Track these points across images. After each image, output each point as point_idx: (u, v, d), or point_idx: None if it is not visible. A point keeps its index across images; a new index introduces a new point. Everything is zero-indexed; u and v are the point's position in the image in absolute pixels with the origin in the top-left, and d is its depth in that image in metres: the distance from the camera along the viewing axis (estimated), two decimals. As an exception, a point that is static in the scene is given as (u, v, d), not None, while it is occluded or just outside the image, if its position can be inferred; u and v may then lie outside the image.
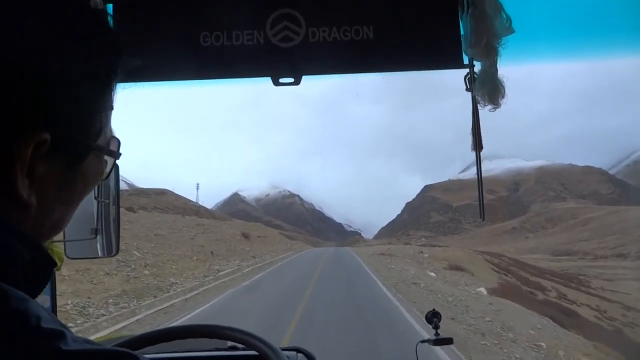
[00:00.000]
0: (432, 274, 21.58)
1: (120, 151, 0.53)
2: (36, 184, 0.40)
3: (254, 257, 27.85)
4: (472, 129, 1.07)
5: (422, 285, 16.10)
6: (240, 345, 1.07)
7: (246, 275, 19.14)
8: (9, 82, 0.38)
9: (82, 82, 0.43)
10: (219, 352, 1.23)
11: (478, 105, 1.03)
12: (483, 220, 1.07)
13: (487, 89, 1.01)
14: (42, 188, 0.41)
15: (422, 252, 34.78)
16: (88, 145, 0.45)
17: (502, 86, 1.01)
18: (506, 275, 29.27)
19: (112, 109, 0.48)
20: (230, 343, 1.15)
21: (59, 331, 0.36)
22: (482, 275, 26.22)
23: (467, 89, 1.07)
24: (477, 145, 1.08)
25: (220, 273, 18.58)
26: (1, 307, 0.34)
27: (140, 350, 0.99)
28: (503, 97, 0.98)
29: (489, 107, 1.01)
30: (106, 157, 0.51)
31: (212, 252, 24.20)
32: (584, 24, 1.19)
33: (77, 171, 0.45)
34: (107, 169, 0.52)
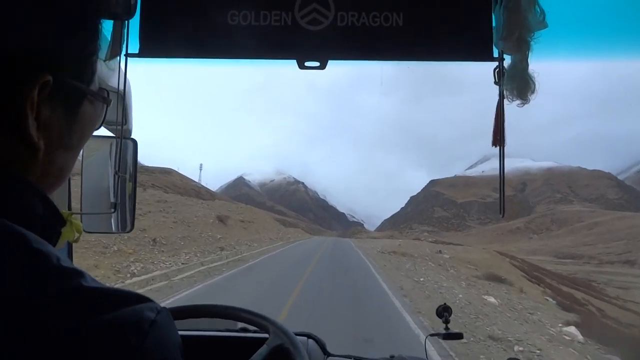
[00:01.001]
0: (491, 298, 12.60)
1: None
2: (42, 128, 0.41)
3: (222, 250, 19.89)
4: (495, 123, 1.03)
5: (510, 339, 7.57)
6: (251, 327, 1.06)
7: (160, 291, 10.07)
8: (13, 25, 0.39)
9: (76, 24, 0.44)
10: (229, 332, 1.23)
11: (505, 99, 1.00)
12: (502, 216, 1.07)
13: (516, 83, 0.99)
14: (47, 132, 0.42)
15: (440, 251, 29.12)
16: (84, 89, 0.47)
17: (533, 81, 0.99)
18: (539, 285, 24.95)
19: (97, 56, 0.49)
20: (241, 324, 1.14)
21: (78, 270, 0.37)
22: (528, 289, 20.03)
23: (495, 83, 1.04)
24: (501, 140, 1.03)
25: (132, 279, 11.04)
26: (23, 247, 0.36)
27: None
28: (533, 92, 0.97)
29: (517, 102, 0.98)
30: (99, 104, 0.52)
31: (154, 240, 17.44)
32: (603, 22, 1.15)
33: (75, 115, 0.46)
34: (101, 117, 0.53)
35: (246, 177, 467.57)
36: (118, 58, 0.92)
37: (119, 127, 0.93)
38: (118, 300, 0.38)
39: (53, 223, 0.44)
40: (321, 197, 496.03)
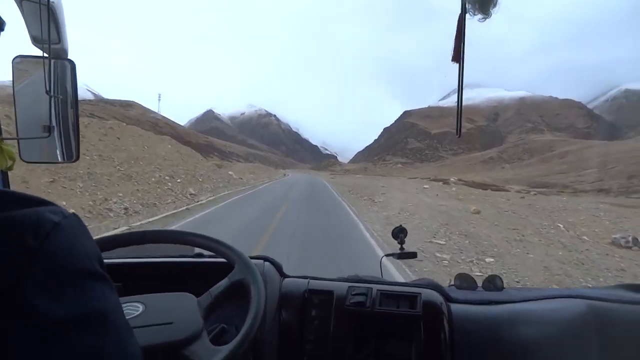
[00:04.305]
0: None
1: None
2: None
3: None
4: (456, 38, 0.95)
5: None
6: (207, 253, 1.06)
7: None
8: None
9: None
10: (184, 258, 1.23)
11: (467, 14, 0.92)
12: (459, 136, 1.00)
13: None
14: None
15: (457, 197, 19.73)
16: None
17: None
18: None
19: None
20: (196, 250, 1.13)
21: None
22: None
23: None
24: (461, 56, 0.96)
25: None
26: None
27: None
28: (495, 6, 0.89)
29: (479, 16, 0.90)
30: None
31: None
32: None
33: None
34: None
35: (216, 111, 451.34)
36: None
37: (51, 46, 0.86)
38: (15, 200, 0.34)
39: None
40: (294, 130, 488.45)
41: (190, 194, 16.81)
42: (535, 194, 27.97)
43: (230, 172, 33.09)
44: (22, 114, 0.91)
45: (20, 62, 0.90)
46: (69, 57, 0.98)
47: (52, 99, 0.86)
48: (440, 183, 36.33)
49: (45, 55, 0.85)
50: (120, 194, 13.43)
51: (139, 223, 10.02)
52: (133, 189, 14.61)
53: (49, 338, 0.30)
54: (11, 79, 0.91)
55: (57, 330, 0.31)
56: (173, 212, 12.24)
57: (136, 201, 13.27)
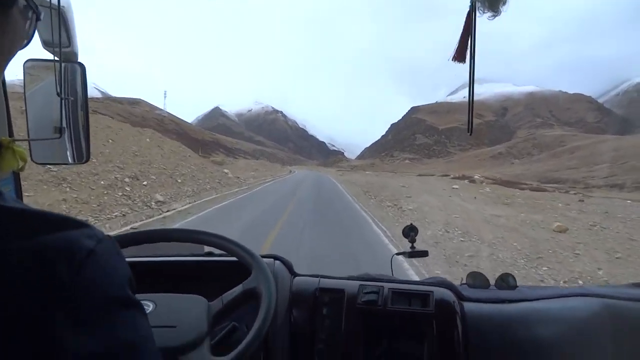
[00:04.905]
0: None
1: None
2: None
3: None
4: (463, 36, 0.97)
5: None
6: (217, 251, 1.07)
7: None
8: None
9: None
10: (195, 257, 1.23)
11: (477, 12, 0.94)
12: (470, 134, 1.02)
13: None
14: None
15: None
16: None
17: None
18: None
19: None
20: (207, 249, 1.13)
21: None
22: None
23: None
24: (472, 55, 0.98)
25: None
26: None
27: None
28: (504, 4, 0.90)
29: (488, 14, 0.92)
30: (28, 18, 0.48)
31: None
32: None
33: (6, 23, 0.43)
34: (29, 31, 0.50)
35: (222, 108, 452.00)
36: None
37: (62, 49, 0.89)
38: (48, 223, 0.31)
39: None
40: (301, 126, 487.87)
41: (157, 202, 12.69)
42: (581, 197, 20.94)
43: (225, 171, 27.75)
44: (33, 115, 0.93)
45: (31, 66, 0.92)
46: (78, 60, 1.01)
47: (63, 101, 0.87)
48: (467, 181, 32.21)
49: (56, 58, 0.87)
50: (35, 206, 10.79)
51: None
52: (59, 198, 10.38)
53: None
54: (22, 82, 0.92)
55: None
56: (118, 231, 8.77)
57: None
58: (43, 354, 0.28)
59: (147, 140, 22.03)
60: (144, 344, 0.36)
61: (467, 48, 0.93)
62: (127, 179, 14.00)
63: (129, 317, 0.34)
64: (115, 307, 0.33)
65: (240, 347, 0.77)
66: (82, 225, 0.34)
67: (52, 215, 0.33)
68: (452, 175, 40.77)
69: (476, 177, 38.09)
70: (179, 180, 17.55)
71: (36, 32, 0.86)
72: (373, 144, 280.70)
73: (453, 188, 23.16)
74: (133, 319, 0.35)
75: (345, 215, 12.06)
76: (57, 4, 0.82)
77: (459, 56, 0.94)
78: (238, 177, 26.84)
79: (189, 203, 13.64)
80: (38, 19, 0.50)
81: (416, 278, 5.21)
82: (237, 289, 0.89)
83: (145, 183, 14.55)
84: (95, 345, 0.30)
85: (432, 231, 9.29)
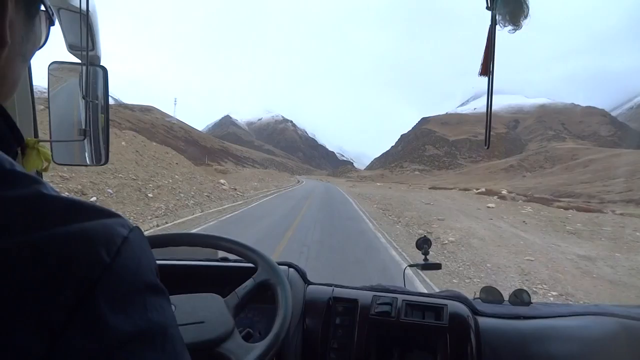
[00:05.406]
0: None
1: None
2: (8, 26, 0.39)
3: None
4: (486, 50, 0.97)
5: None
6: (231, 257, 1.09)
7: None
8: None
9: None
10: (209, 262, 1.25)
11: (497, 25, 0.94)
12: (487, 147, 1.03)
13: (509, 7, 0.93)
14: (12, 32, 0.40)
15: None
16: None
17: (527, 4, 0.92)
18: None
19: None
20: (221, 254, 1.14)
21: (36, 177, 0.33)
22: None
23: (487, 7, 0.96)
24: (491, 69, 0.98)
25: None
26: None
27: None
28: (526, 17, 0.91)
29: (509, 28, 0.92)
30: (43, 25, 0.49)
31: None
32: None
33: (32, 25, 0.44)
34: (44, 33, 0.51)
35: (233, 116, 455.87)
36: None
37: (85, 53, 0.91)
38: (86, 211, 0.34)
39: (11, 140, 0.41)
40: (310, 135, 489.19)
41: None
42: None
43: (221, 181, 23.35)
44: (56, 117, 0.94)
45: (55, 68, 0.94)
46: (101, 63, 1.02)
47: (87, 103, 0.88)
48: (496, 197, 28.10)
49: (81, 61, 0.87)
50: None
51: None
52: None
53: (118, 352, 0.31)
54: (46, 84, 0.94)
55: (125, 343, 0.32)
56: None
57: None
58: (86, 332, 0.30)
59: (123, 143, 18.83)
60: (174, 327, 0.38)
61: (491, 61, 0.92)
62: (65, 193, 10.95)
63: (159, 302, 0.36)
64: (147, 292, 0.35)
65: (264, 343, 0.79)
66: (116, 215, 0.36)
67: (88, 204, 0.35)
68: (476, 190, 37.01)
69: (504, 192, 35.10)
70: (150, 195, 13.60)
71: (62, 35, 0.92)
72: (382, 154, 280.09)
73: (489, 207, 19.67)
74: (162, 305, 0.37)
75: (368, 257, 7.83)
76: (85, 8, 0.82)
77: (485, 70, 0.93)
78: (235, 189, 22.61)
79: (151, 228, 10.34)
80: (52, 24, 0.51)
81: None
82: (248, 283, 0.91)
83: (93, 199, 11.45)
84: (132, 325, 0.32)
85: (509, 288, 5.67)
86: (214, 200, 17.17)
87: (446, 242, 9.73)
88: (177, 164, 21.51)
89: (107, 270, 0.32)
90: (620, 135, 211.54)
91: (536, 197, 35.44)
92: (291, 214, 14.57)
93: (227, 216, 13.27)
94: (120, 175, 14.24)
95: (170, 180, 16.90)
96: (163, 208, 12.68)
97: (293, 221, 12.57)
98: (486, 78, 0.93)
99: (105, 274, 0.32)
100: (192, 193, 16.62)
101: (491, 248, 9.25)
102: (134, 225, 0.37)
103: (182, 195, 15.55)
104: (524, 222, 14.85)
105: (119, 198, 12.18)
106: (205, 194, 17.56)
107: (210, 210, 14.40)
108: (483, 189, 37.66)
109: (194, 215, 12.86)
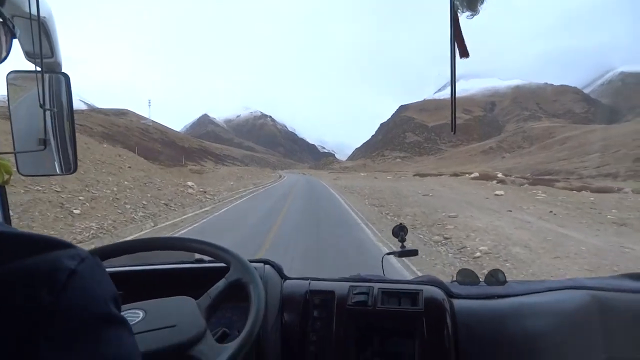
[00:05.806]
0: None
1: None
2: None
3: None
4: (457, 35, 0.97)
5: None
6: (206, 258, 1.09)
7: None
8: None
9: None
10: (184, 265, 1.26)
11: (457, 11, 0.94)
12: (454, 133, 1.05)
13: None
14: None
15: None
16: None
17: None
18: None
19: None
20: (197, 256, 1.16)
21: None
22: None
23: None
24: (452, 53, 0.97)
25: None
26: None
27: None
28: (482, 2, 0.90)
29: (467, 13, 0.93)
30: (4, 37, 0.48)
31: None
32: None
33: None
34: (4, 49, 0.49)
35: (211, 115, 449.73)
36: None
37: (44, 60, 0.89)
38: (29, 245, 0.31)
39: None
40: (290, 130, 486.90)
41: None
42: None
43: (189, 184, 21.07)
44: (18, 128, 0.92)
45: (14, 77, 0.92)
46: (62, 70, 1.00)
47: (47, 112, 0.87)
48: (495, 182, 26.05)
49: (39, 69, 0.87)
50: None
51: None
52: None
53: None
54: (6, 94, 0.91)
55: None
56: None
57: None
58: None
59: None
60: (134, 357, 0.36)
61: (464, 42, 0.93)
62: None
63: (112, 334, 0.34)
64: (98, 325, 0.33)
65: (236, 342, 0.79)
66: (65, 245, 0.34)
67: (34, 237, 0.32)
68: (469, 176, 33.92)
69: (499, 175, 32.23)
70: (77, 211, 10.70)
71: (18, 43, 0.87)
72: (363, 144, 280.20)
73: (497, 195, 17.29)
74: (117, 336, 0.34)
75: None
76: (36, 14, 0.80)
77: (463, 52, 0.94)
78: (204, 192, 19.78)
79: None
80: (14, 36, 0.49)
81: None
82: (220, 283, 0.90)
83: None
84: None
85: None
86: (175, 208, 14.48)
87: (478, 254, 6.96)
88: (129, 167, 19.05)
89: (48, 311, 0.29)
90: (594, 111, 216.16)
91: (536, 178, 34.73)
92: (266, 222, 11.49)
93: (183, 231, 10.48)
94: (37, 188, 11.01)
95: (115, 189, 14.19)
96: (94, 228, 9.90)
97: (268, 233, 9.48)
98: (464, 61, 0.93)
99: (47, 316, 0.29)
100: (144, 202, 13.90)
101: (547, 260, 6.52)
102: (87, 254, 0.35)
103: (129, 207, 12.78)
104: (551, 212, 12.76)
105: (25, 221, 9.09)
106: (163, 202, 14.90)
107: (166, 224, 11.70)
108: (477, 174, 34.57)
109: (140, 233, 10.45)
